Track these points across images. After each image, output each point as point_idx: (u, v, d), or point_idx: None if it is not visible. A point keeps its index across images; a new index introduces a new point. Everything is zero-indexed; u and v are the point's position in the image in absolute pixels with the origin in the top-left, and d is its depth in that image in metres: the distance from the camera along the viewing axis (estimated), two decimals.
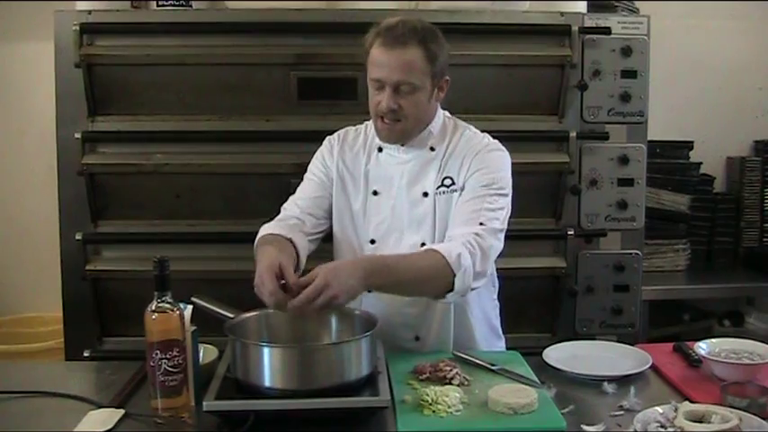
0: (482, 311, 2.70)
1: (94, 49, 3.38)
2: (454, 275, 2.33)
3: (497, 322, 2.79)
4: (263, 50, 3.43)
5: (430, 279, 2.36)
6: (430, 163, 2.58)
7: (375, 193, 2.62)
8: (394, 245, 2.56)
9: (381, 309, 2.52)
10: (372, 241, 2.61)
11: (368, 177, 2.63)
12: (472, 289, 2.41)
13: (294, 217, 2.61)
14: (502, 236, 2.50)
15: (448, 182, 2.56)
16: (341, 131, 2.75)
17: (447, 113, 2.67)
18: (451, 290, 2.36)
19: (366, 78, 2.52)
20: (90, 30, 3.37)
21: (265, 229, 2.54)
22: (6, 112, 4.29)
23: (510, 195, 2.56)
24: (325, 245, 2.70)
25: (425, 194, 2.57)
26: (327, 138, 2.75)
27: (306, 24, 3.43)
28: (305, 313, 2.16)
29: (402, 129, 2.51)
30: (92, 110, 3.41)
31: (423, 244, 2.52)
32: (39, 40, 3.75)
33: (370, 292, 2.41)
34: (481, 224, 2.43)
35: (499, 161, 2.57)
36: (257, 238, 2.53)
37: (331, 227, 2.68)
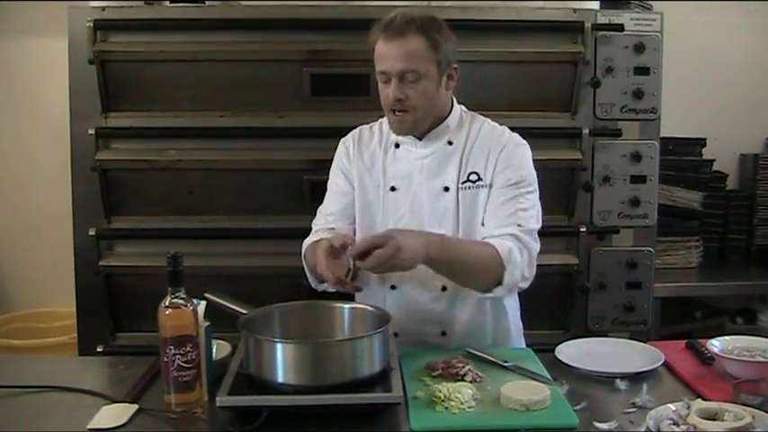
0: (512, 309, 2.73)
1: (108, 46, 3.40)
2: (504, 270, 2.40)
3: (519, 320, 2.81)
4: (276, 47, 3.44)
5: (483, 267, 2.42)
6: (449, 157, 2.58)
7: (393, 188, 2.61)
8: None
9: (407, 304, 2.57)
10: None
11: (386, 173, 2.63)
12: (519, 289, 2.50)
13: (326, 228, 2.63)
14: (537, 236, 2.55)
15: (473, 177, 2.56)
16: (355, 132, 2.74)
17: (464, 108, 2.67)
18: (499, 284, 2.43)
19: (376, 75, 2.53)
20: (103, 26, 3.38)
21: (306, 243, 2.62)
22: (20, 109, 4.30)
23: (537, 190, 2.60)
24: None
25: (446, 189, 2.57)
26: (342, 141, 2.74)
27: (319, 21, 3.44)
28: (374, 271, 2.32)
29: (413, 119, 2.50)
30: (105, 106, 3.43)
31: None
32: (52, 37, 3.75)
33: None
34: (519, 225, 2.48)
35: (524, 156, 2.60)
36: (304, 252, 2.60)
37: None
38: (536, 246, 2.52)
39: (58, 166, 3.80)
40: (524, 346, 2.74)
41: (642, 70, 3.52)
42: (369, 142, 2.68)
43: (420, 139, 2.59)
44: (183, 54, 3.43)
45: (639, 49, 3.50)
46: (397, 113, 2.50)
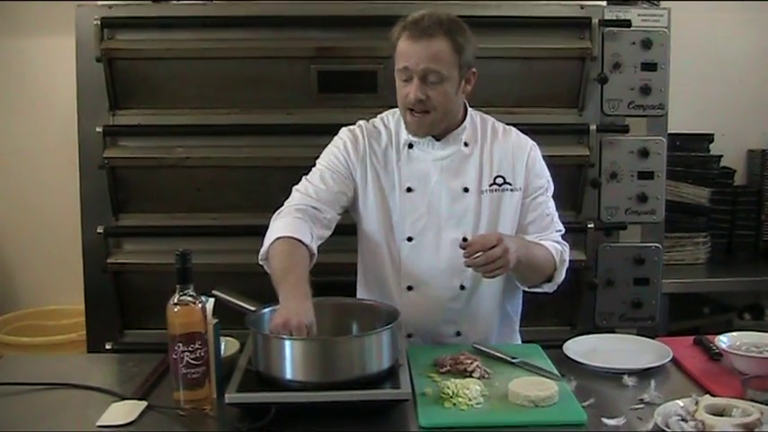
0: (517, 307, 2.79)
1: (115, 44, 3.40)
2: (555, 269, 2.58)
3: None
4: (284, 44, 3.45)
5: (544, 267, 2.57)
6: (467, 159, 2.60)
7: (409, 189, 2.60)
8: (432, 241, 2.57)
9: (423, 304, 2.58)
10: (410, 239, 2.60)
11: (400, 174, 2.61)
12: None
13: (311, 206, 2.55)
14: None
15: (500, 180, 2.60)
16: (361, 125, 2.69)
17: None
18: (548, 281, 2.61)
19: (392, 73, 2.52)
20: (111, 24, 3.39)
21: (279, 228, 2.47)
22: (28, 107, 4.31)
23: None
24: (336, 237, 2.62)
25: (466, 190, 2.59)
26: (347, 130, 2.69)
27: (326, 18, 3.43)
28: (478, 269, 2.34)
29: (431, 121, 2.51)
30: (113, 104, 3.44)
31: (464, 239, 2.51)
32: (60, 35, 3.75)
33: None
34: (557, 231, 2.65)
35: (542, 159, 2.69)
36: (270, 237, 2.47)
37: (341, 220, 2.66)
38: (567, 245, 2.69)
39: (66, 164, 3.81)
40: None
41: (649, 66, 3.52)
42: (378, 138, 2.65)
43: (438, 140, 2.59)
44: (191, 52, 3.43)
45: (647, 44, 3.50)
46: (415, 114, 2.49)
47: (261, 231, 3.37)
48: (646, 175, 3.57)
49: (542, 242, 2.58)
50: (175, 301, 2.04)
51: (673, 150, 3.84)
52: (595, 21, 3.44)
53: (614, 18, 3.48)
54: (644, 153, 3.54)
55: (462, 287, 2.60)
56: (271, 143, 3.47)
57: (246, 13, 3.46)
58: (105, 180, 3.41)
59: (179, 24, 3.43)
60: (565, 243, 2.66)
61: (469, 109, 2.65)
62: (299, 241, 2.40)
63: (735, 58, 4.50)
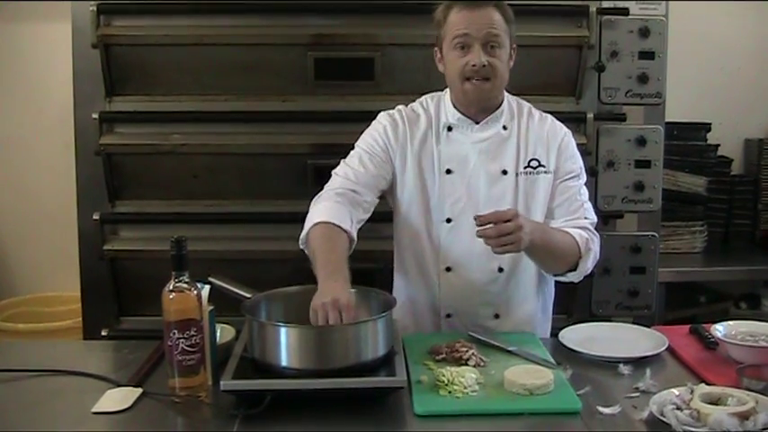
0: (550, 296, 2.81)
1: (111, 30, 3.39)
2: (580, 258, 2.55)
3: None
4: (280, 30, 3.43)
5: (566, 255, 2.56)
6: (506, 141, 2.63)
7: (449, 171, 2.62)
8: (471, 223, 2.54)
9: (462, 287, 2.61)
10: (449, 220, 2.62)
11: (440, 156, 2.63)
12: (586, 272, 2.63)
13: (350, 189, 2.56)
14: None
15: (534, 163, 2.63)
16: (400, 110, 2.70)
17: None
18: (572, 270, 2.58)
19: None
20: (107, 10, 3.37)
21: (319, 212, 2.47)
22: (24, 94, 4.30)
23: None
24: (370, 224, 2.62)
25: (504, 172, 2.61)
26: (386, 114, 2.70)
27: (322, 4, 3.42)
28: (487, 242, 2.31)
29: (491, 88, 2.54)
30: (109, 90, 3.42)
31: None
32: (56, 21, 3.75)
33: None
34: (586, 218, 2.63)
35: (576, 147, 2.71)
36: (309, 222, 2.47)
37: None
38: (598, 236, 2.67)
39: (62, 151, 3.80)
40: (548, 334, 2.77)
41: (647, 54, 3.51)
42: (417, 122, 2.66)
43: (477, 123, 2.61)
44: (187, 38, 3.42)
45: (644, 33, 3.49)
46: (475, 81, 2.52)
47: (257, 218, 3.39)
48: (643, 164, 3.56)
49: (568, 230, 2.57)
50: (171, 287, 2.03)
51: (670, 139, 3.84)
52: (593, 9, 3.43)
53: (612, 6, 3.47)
54: (641, 142, 3.54)
55: (501, 269, 2.63)
56: (267, 130, 3.46)
57: (243, 0, 3.44)
58: (101, 167, 3.41)
59: (175, 11, 3.41)
60: (595, 233, 2.64)
61: (506, 93, 2.67)
62: (339, 227, 2.42)
63: (732, 48, 4.50)
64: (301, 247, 2.51)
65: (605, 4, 3.47)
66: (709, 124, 4.36)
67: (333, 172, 2.64)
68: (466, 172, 2.61)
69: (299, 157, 3.33)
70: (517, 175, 2.62)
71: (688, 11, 4.07)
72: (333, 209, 2.47)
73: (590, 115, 3.46)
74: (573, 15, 3.48)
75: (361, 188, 2.57)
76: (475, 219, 2.33)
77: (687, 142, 4.27)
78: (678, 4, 3.62)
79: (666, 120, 3.61)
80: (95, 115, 3.38)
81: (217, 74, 3.46)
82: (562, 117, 3.43)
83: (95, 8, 3.33)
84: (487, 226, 2.29)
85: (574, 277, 2.62)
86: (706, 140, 4.36)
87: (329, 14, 3.44)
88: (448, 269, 2.64)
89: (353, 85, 3.42)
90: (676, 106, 3.84)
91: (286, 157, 3.43)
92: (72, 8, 3.37)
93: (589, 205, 2.68)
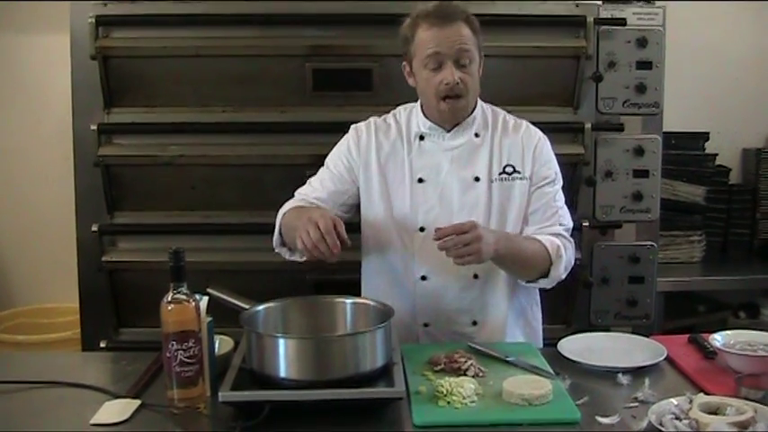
0: (533, 302, 2.79)
1: (110, 42, 3.39)
2: (551, 264, 2.53)
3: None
4: (278, 42, 3.44)
5: (536, 262, 2.54)
6: (478, 149, 2.62)
7: (420, 180, 2.62)
8: None
9: (439, 294, 2.62)
10: (422, 229, 2.62)
11: (411, 166, 2.64)
12: (559, 279, 2.60)
13: (311, 199, 2.65)
14: None
15: (509, 169, 2.62)
16: (369, 121, 2.73)
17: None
18: (544, 276, 2.57)
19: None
20: (105, 22, 3.38)
21: (284, 208, 2.61)
22: (23, 105, 4.30)
23: None
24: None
25: (477, 179, 2.61)
26: (352, 129, 2.73)
27: (320, 15, 3.43)
28: (448, 254, 2.33)
29: (464, 105, 2.56)
30: (107, 101, 3.43)
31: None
32: (55, 32, 3.76)
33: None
34: (561, 224, 2.62)
35: (551, 152, 2.70)
36: (282, 213, 2.59)
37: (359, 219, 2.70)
38: (572, 242, 2.68)
39: (61, 162, 3.80)
40: (541, 342, 2.76)
41: (645, 64, 3.52)
42: (387, 132, 2.68)
43: (448, 131, 2.61)
44: (185, 49, 3.42)
45: (642, 43, 3.50)
46: (448, 100, 2.52)
47: (255, 230, 3.39)
48: (641, 174, 3.57)
49: (538, 237, 2.57)
50: (169, 299, 2.03)
51: (668, 149, 3.84)
52: (590, 19, 3.44)
53: (609, 16, 3.48)
54: (639, 151, 3.54)
55: (476, 276, 2.62)
56: (265, 141, 3.46)
57: (241, 11, 3.45)
58: (100, 178, 3.41)
59: (174, 22, 3.42)
60: (569, 239, 2.64)
61: (479, 100, 2.67)
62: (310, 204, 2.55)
63: (730, 57, 4.51)
64: (276, 250, 2.56)
65: (603, 15, 3.48)
66: (707, 134, 4.37)
67: (308, 181, 2.73)
68: (438, 180, 2.62)
69: (298, 168, 3.32)
70: (492, 181, 2.61)
71: (685, 21, 4.08)
72: (298, 203, 2.61)
73: (588, 125, 3.47)
74: (570, 26, 3.48)
75: (320, 203, 2.63)
76: (435, 231, 2.34)
77: (685, 152, 4.28)
78: (676, 14, 3.62)
79: (664, 129, 3.62)
80: (94, 126, 3.39)
81: (215, 85, 3.47)
82: (560, 127, 3.48)
83: (94, 20, 3.34)
84: (447, 238, 2.31)
85: (545, 284, 2.61)
86: (704, 150, 4.37)
87: (327, 26, 3.45)
88: (423, 278, 2.63)
89: (351, 95, 3.43)
90: (674, 116, 3.84)
91: (284, 168, 3.43)
92: (71, 20, 3.38)
93: (565, 210, 2.68)
